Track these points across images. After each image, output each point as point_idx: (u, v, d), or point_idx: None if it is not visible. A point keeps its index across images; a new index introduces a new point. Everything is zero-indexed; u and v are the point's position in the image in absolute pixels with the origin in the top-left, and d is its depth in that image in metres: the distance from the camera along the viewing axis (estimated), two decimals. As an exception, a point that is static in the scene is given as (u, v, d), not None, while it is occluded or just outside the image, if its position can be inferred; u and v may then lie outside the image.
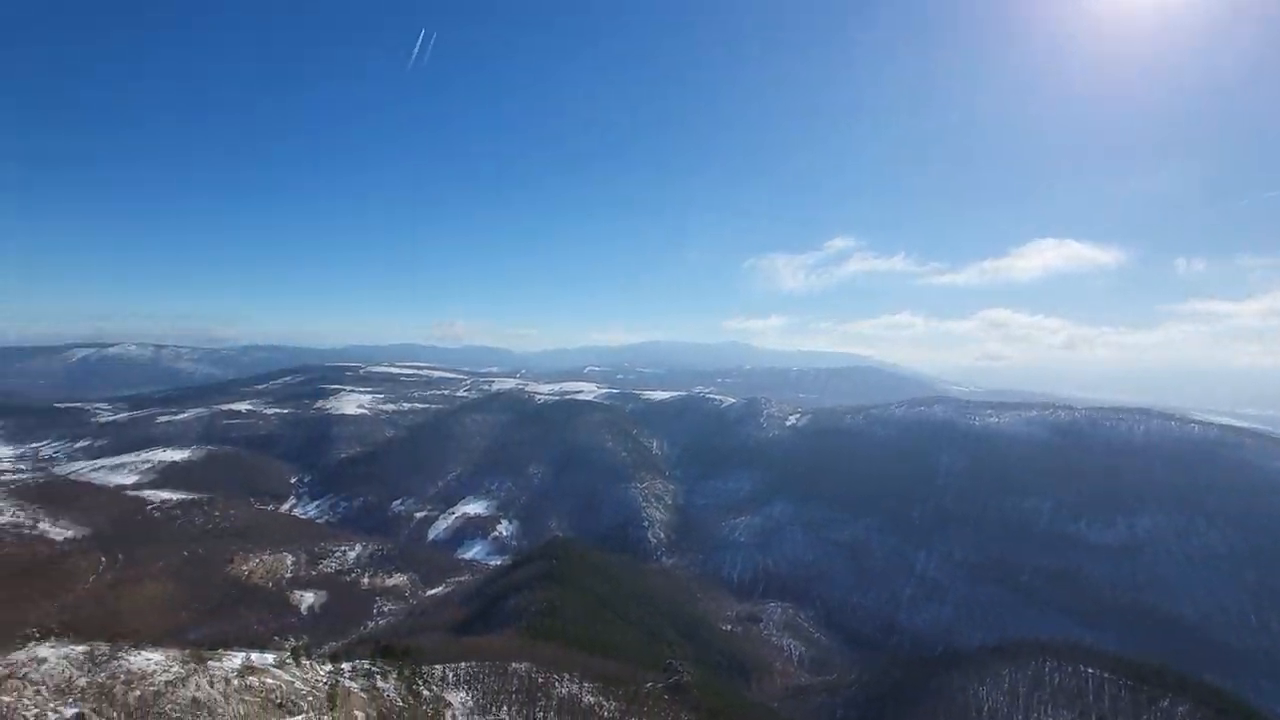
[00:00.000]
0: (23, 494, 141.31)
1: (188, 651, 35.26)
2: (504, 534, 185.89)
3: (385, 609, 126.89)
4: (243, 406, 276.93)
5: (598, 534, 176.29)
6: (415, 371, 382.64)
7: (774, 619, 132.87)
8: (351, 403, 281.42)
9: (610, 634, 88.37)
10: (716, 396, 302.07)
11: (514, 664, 58.07)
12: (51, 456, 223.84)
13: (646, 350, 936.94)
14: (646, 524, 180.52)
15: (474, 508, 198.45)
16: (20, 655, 27.72)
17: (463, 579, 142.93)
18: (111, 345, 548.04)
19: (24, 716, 17.42)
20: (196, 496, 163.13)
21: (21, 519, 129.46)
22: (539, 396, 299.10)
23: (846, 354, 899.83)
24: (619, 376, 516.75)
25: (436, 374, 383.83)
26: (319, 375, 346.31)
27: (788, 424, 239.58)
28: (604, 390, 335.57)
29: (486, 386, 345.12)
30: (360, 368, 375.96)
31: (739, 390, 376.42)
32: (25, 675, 23.13)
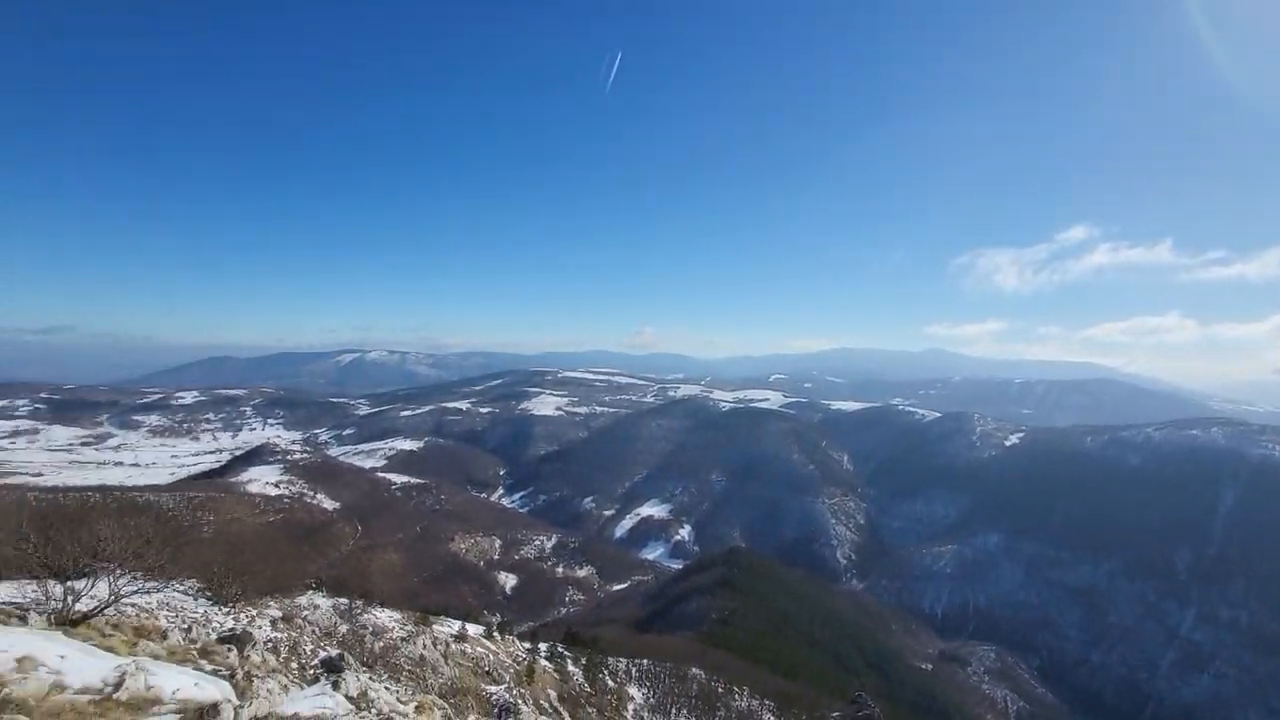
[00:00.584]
0: (305, 471, 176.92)
1: (416, 614, 40.82)
2: (683, 538, 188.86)
3: (572, 598, 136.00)
4: (461, 405, 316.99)
5: (778, 546, 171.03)
6: (605, 377, 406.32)
7: (985, 663, 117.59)
8: (548, 405, 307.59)
9: (790, 652, 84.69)
10: (916, 410, 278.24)
11: (692, 669, 58.10)
12: (324, 441, 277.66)
13: (836, 358, 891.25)
14: (835, 542, 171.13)
15: (655, 510, 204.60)
16: (302, 600, 34.24)
17: (643, 578, 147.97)
18: (368, 352, 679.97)
19: (303, 649, 21.14)
20: (424, 481, 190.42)
21: (305, 490, 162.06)
22: (722, 404, 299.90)
23: (1083, 364, 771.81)
24: (806, 385, 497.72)
25: (624, 380, 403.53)
26: (522, 379, 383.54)
27: (1005, 444, 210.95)
28: (789, 399, 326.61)
29: (670, 392, 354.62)
30: (557, 372, 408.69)
31: (942, 403, 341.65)
32: (304, 616, 28.26)
